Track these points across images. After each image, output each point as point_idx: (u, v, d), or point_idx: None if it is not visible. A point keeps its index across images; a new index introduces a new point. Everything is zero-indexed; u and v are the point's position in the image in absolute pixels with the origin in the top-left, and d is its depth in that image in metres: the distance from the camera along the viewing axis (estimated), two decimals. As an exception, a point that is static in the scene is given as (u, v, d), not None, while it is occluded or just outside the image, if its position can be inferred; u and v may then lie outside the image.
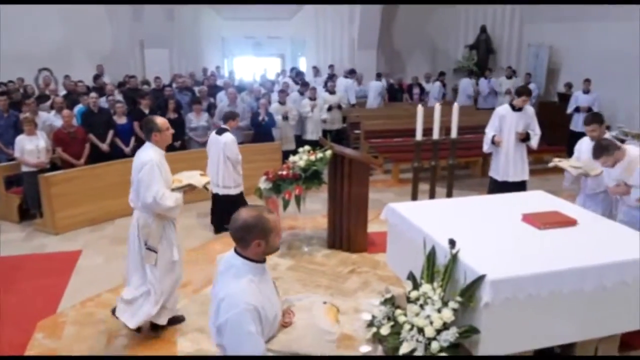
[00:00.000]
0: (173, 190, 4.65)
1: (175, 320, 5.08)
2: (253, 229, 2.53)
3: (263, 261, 2.67)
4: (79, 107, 9.82)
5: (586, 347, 4.34)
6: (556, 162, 5.84)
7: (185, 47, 16.05)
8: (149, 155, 4.54)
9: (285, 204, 6.28)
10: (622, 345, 4.57)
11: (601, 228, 4.58)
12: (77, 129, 8.52)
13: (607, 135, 5.45)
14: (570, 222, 4.51)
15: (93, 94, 9.43)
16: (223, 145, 7.01)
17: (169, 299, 4.86)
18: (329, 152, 6.03)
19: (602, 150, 4.90)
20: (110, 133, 8.96)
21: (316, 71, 14.79)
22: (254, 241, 2.56)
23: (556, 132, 11.69)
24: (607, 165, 4.97)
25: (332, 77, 13.79)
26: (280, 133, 10.14)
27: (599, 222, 4.74)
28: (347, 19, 16.64)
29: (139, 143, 8.99)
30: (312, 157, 6.07)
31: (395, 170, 10.26)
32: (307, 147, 6.37)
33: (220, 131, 7.18)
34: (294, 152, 6.74)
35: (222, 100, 10.70)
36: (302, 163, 6.23)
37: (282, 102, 10.35)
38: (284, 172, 6.23)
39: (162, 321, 4.85)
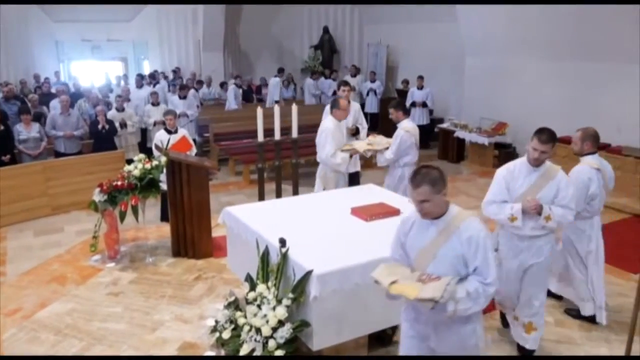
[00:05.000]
0: (342, 151, 6.22)
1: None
2: None
3: None
4: None
5: (415, 326, 4.69)
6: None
7: (14, 52, 14.69)
8: (327, 125, 6.27)
9: (122, 216, 6.02)
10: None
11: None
12: None
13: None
14: (394, 212, 4.84)
15: None
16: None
17: None
18: (164, 159, 5.87)
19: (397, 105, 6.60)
20: None
21: (155, 76, 14.18)
22: None
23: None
24: (392, 117, 6.50)
25: (182, 87, 13.12)
26: (121, 141, 9.69)
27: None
28: (190, 20, 16.35)
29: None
30: (148, 166, 5.87)
31: (245, 171, 10.28)
32: (142, 155, 6.15)
33: None
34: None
35: (55, 108, 9.97)
36: (137, 172, 6.01)
37: (119, 109, 9.89)
38: (119, 183, 5.97)
39: None
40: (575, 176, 4.72)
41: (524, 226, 4.16)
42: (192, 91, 12.76)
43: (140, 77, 13.22)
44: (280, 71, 15.01)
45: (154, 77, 13.98)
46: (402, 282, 3.01)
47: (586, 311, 5.03)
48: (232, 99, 13.53)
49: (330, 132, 6.16)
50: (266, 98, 14.78)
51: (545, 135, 4.08)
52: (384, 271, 3.15)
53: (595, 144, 4.88)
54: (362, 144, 6.41)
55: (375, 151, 6.38)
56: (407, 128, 6.36)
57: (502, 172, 4.29)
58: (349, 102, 7.62)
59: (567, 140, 10.51)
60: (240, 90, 13.96)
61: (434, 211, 3.01)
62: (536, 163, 4.15)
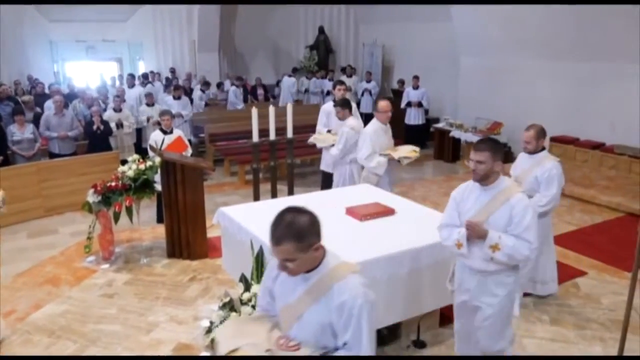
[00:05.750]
0: (381, 155, 6.12)
1: None
2: None
3: None
4: None
5: (410, 324, 4.69)
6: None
7: (8, 53, 14.60)
8: (368, 128, 6.26)
9: (116, 217, 6.00)
10: (442, 319, 5.00)
11: (416, 215, 4.97)
12: None
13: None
14: (389, 212, 4.84)
15: None
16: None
17: None
18: (158, 160, 5.85)
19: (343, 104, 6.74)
20: None
21: (147, 76, 14.13)
22: None
23: (393, 127, 12.41)
24: (339, 116, 6.71)
25: (176, 87, 12.95)
26: (117, 142, 9.67)
27: (414, 209, 5.14)
28: (185, 20, 16.34)
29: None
30: (142, 166, 5.85)
31: (240, 172, 10.26)
32: (136, 156, 6.14)
33: None
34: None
35: (49, 109, 9.94)
36: (131, 173, 6.00)
37: (116, 110, 9.87)
38: (113, 184, 5.95)
39: None
40: (556, 172, 4.92)
41: (470, 255, 3.54)
42: (198, 93, 12.86)
43: (132, 76, 13.22)
44: (295, 71, 15.03)
45: (146, 78, 13.96)
46: (245, 350, 2.39)
47: (546, 291, 5.39)
48: (234, 100, 13.56)
49: (368, 136, 6.18)
50: (261, 98, 14.79)
51: (481, 143, 3.48)
52: (232, 328, 2.57)
53: (544, 139, 5.14)
54: (404, 150, 6.44)
55: (410, 159, 6.40)
56: (352, 125, 6.62)
57: (454, 192, 3.73)
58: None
59: (560, 140, 10.58)
60: (241, 90, 13.99)
61: (302, 269, 2.33)
62: (476, 177, 3.49)
